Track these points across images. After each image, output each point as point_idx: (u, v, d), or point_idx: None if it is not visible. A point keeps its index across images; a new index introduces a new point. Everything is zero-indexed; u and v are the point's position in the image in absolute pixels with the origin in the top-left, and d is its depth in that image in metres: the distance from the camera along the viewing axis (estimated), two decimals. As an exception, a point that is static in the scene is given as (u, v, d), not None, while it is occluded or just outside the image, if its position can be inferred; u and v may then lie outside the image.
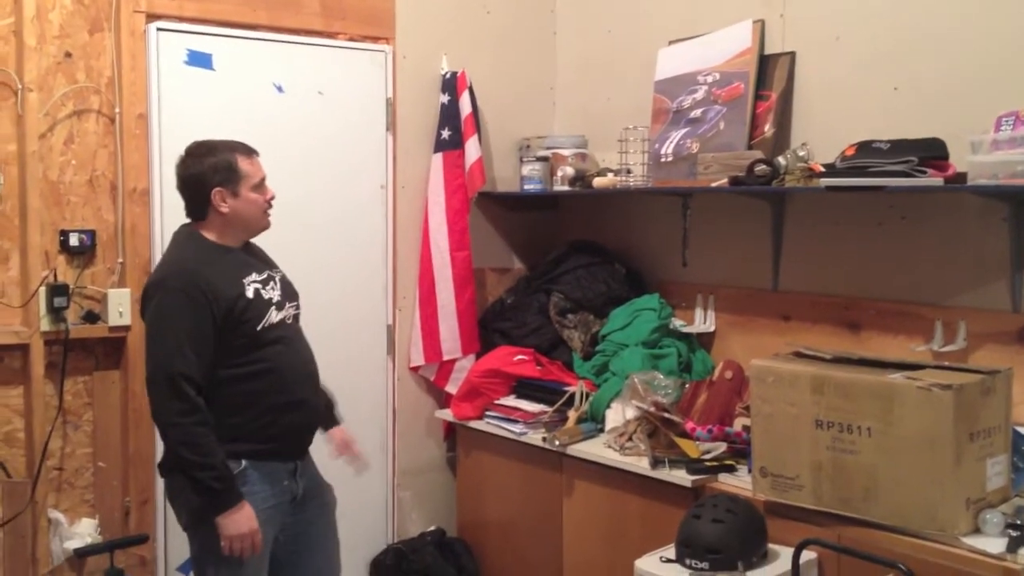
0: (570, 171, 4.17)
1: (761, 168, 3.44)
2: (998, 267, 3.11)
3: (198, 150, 2.99)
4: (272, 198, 3.03)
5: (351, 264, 3.68)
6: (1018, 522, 2.61)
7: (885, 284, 3.42)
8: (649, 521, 3.34)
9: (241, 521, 2.80)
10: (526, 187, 4.29)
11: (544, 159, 4.28)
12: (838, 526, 2.81)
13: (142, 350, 3.58)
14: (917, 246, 3.33)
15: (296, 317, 3.07)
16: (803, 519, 2.89)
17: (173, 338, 2.78)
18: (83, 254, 3.56)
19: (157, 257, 3.65)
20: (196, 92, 3.74)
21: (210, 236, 2.96)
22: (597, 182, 4.06)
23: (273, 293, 2.99)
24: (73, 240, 3.52)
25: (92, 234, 3.56)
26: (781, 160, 3.42)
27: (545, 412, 3.75)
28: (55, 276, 3.49)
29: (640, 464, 3.39)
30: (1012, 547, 2.53)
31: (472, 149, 4.17)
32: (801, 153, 3.42)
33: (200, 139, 3.08)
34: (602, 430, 3.71)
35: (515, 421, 3.84)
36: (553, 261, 4.31)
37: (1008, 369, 2.81)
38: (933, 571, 2.56)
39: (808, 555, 2.79)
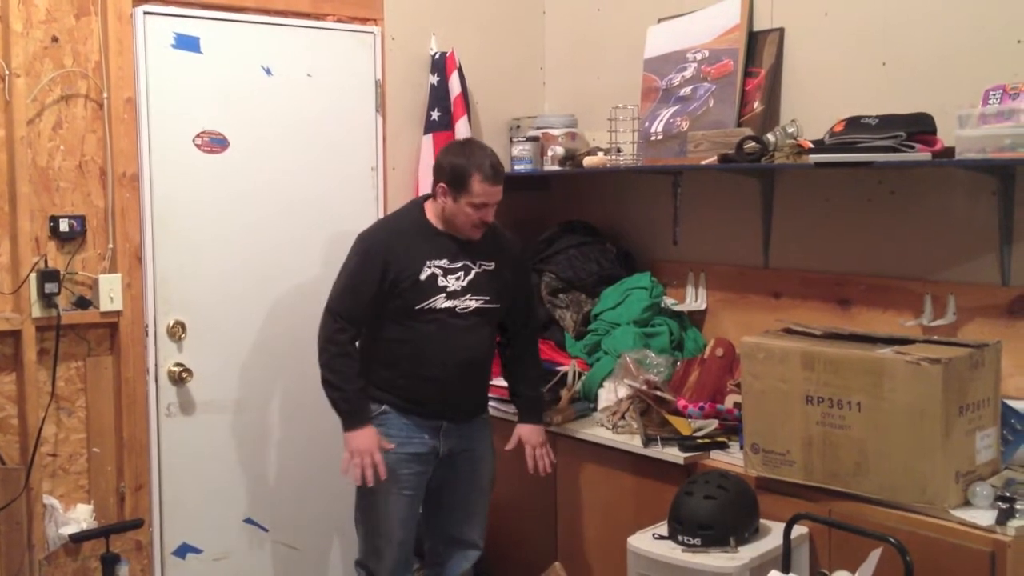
0: (560, 151, 4.17)
1: (750, 145, 3.44)
2: (987, 241, 3.11)
3: (458, 147, 3.36)
4: (486, 222, 3.25)
5: (342, 247, 3.66)
6: (1007, 494, 2.62)
7: (875, 260, 3.43)
8: (642, 498, 3.36)
9: (361, 439, 3.20)
10: (516, 167, 4.29)
11: (534, 139, 4.27)
12: (829, 501, 2.82)
13: (135, 336, 3.64)
14: (906, 221, 3.34)
15: (479, 311, 3.30)
16: (794, 494, 2.90)
17: (343, 282, 3.29)
18: (73, 240, 3.55)
19: (148, 242, 3.66)
20: (184, 76, 3.72)
21: (429, 213, 3.32)
22: (587, 161, 4.06)
23: (455, 283, 3.26)
24: (63, 226, 3.51)
25: (82, 220, 3.56)
26: (770, 137, 3.42)
27: (507, 378, 3.74)
28: (45, 262, 3.48)
29: (632, 442, 3.40)
30: (1001, 519, 2.54)
31: (462, 130, 4.16)
32: (790, 130, 3.41)
33: (472, 140, 3.60)
34: (595, 409, 3.72)
35: (508, 401, 3.83)
36: (544, 241, 4.31)
37: (997, 342, 2.82)
38: (923, 544, 2.57)
39: (799, 530, 2.81)
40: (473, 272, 3.30)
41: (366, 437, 3.21)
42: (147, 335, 3.68)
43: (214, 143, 3.79)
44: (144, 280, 3.67)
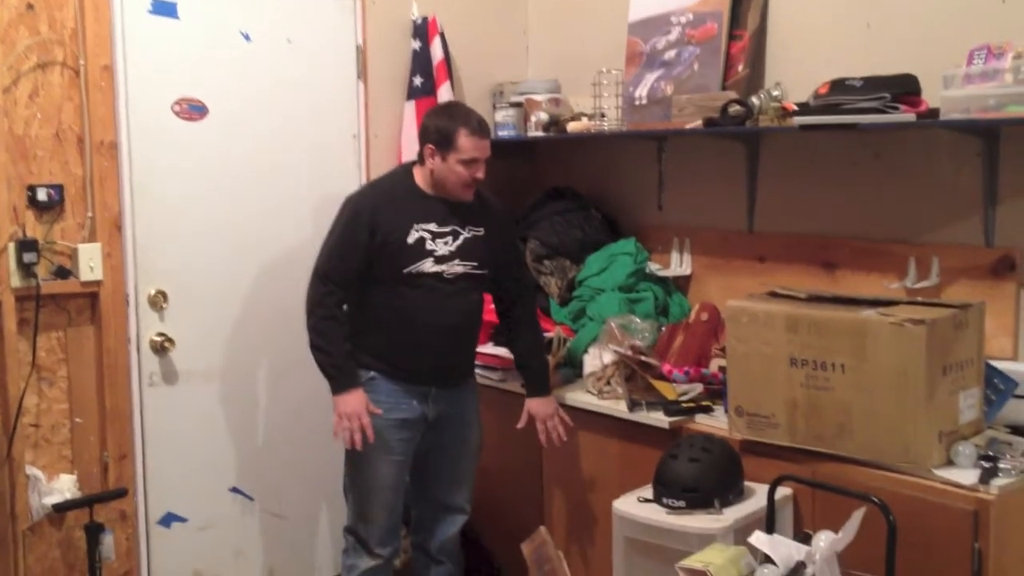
0: (544, 116, 4.14)
1: (735, 109, 3.42)
2: (971, 202, 3.11)
3: (441, 108, 3.43)
4: (477, 179, 3.23)
5: (324, 214, 3.64)
6: (990, 454, 2.63)
7: (859, 222, 3.42)
8: (627, 463, 3.36)
9: (349, 403, 3.20)
10: (500, 133, 4.26)
11: (518, 105, 4.24)
12: (813, 462, 2.83)
13: (115, 305, 3.61)
14: (891, 184, 3.33)
15: (466, 276, 3.29)
16: (778, 456, 2.91)
17: (330, 245, 3.27)
18: (52, 209, 3.51)
19: (127, 211, 3.62)
20: (161, 42, 3.67)
21: (417, 177, 3.30)
22: (571, 127, 4.04)
23: (443, 247, 3.25)
24: (41, 195, 3.47)
25: (60, 189, 3.51)
26: (755, 100, 3.40)
27: (510, 350, 3.73)
28: (24, 232, 3.44)
29: (618, 407, 3.40)
30: (984, 478, 2.55)
31: (445, 96, 4.12)
32: (775, 93, 3.39)
33: (455, 102, 3.67)
34: (580, 375, 3.71)
35: (493, 368, 3.83)
36: (528, 208, 4.29)
37: (980, 303, 2.82)
38: (906, 504, 2.58)
39: (783, 491, 2.81)
40: (461, 237, 3.29)
41: (355, 400, 3.21)
42: (128, 305, 3.65)
43: (193, 110, 3.75)
44: (124, 249, 3.63)
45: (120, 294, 3.63)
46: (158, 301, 3.71)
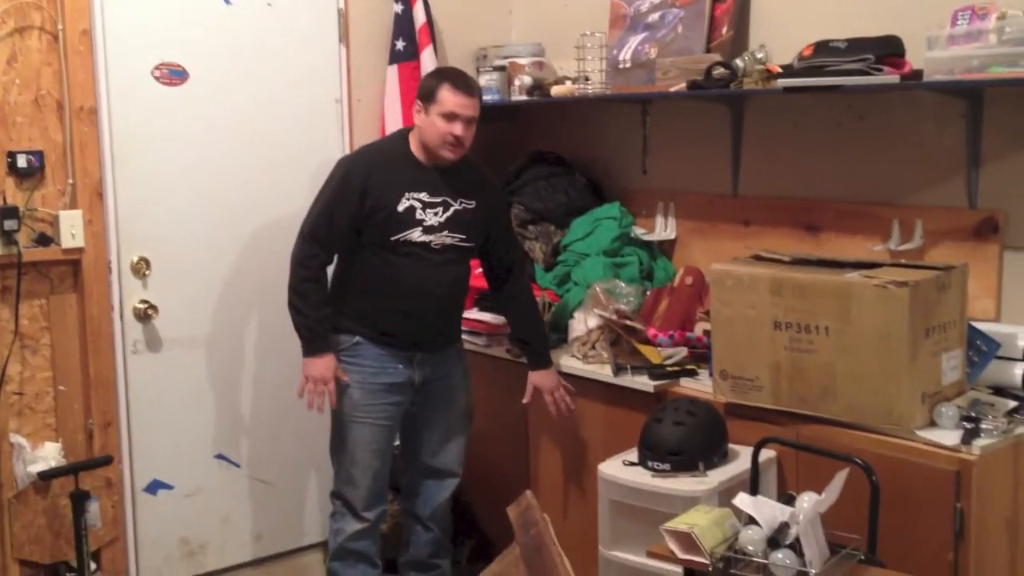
0: (528, 80, 4.11)
1: (719, 71, 3.40)
2: (954, 164, 3.11)
3: (436, 69, 3.52)
4: (456, 136, 3.18)
5: (306, 179, 3.64)
6: (972, 414, 2.65)
7: (843, 185, 3.42)
8: (612, 427, 3.37)
9: (317, 366, 3.22)
10: (483, 98, 4.20)
11: (501, 69, 4.21)
12: (796, 424, 2.84)
13: (98, 272, 3.59)
14: (875, 146, 3.33)
15: (455, 248, 3.29)
16: (762, 419, 2.92)
17: (320, 206, 3.24)
18: (32, 176, 3.48)
19: (108, 177, 3.60)
20: (140, 6, 3.63)
21: (412, 144, 3.29)
22: (555, 90, 4.01)
23: (432, 218, 3.23)
24: (21, 162, 3.44)
25: (40, 155, 3.48)
26: (739, 63, 3.38)
27: (508, 324, 3.74)
28: (4, 199, 3.42)
29: (603, 372, 3.41)
30: (967, 439, 2.57)
31: (428, 60, 4.09)
32: (759, 55, 3.38)
33: (451, 67, 3.62)
34: (565, 340, 3.72)
35: (479, 334, 3.83)
36: (513, 172, 4.27)
37: (963, 265, 2.83)
38: (890, 465, 2.59)
39: (767, 453, 2.83)
40: (452, 209, 3.27)
41: (323, 364, 3.21)
42: (110, 272, 3.64)
43: (173, 75, 3.72)
44: (106, 216, 3.61)
45: (102, 261, 3.61)
46: (141, 268, 3.69)
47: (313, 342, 3.23)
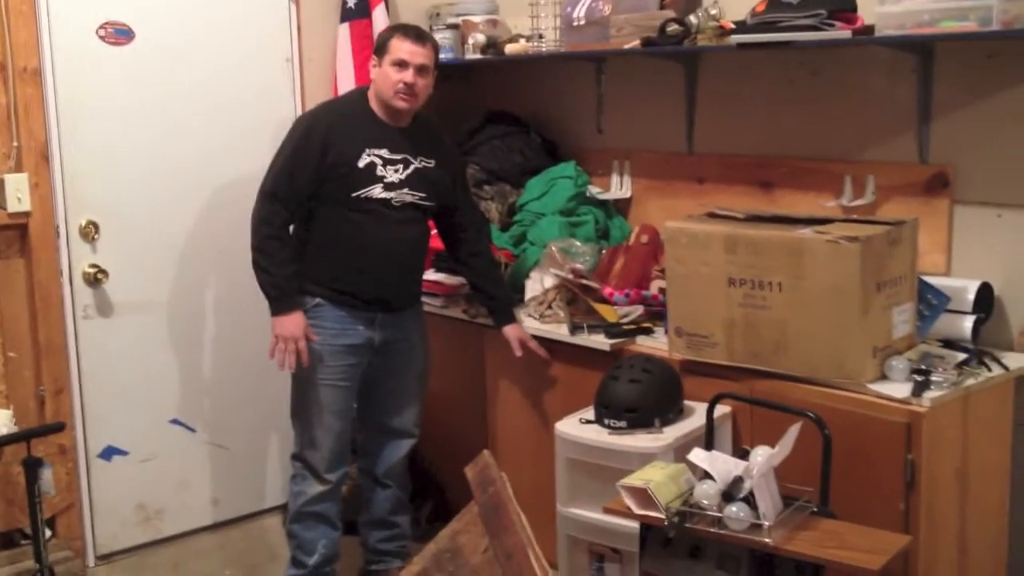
0: (481, 38, 4.08)
1: (673, 28, 3.39)
2: (906, 119, 3.12)
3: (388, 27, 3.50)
4: (406, 83, 3.15)
5: (257, 140, 3.59)
6: (923, 367, 2.68)
7: (796, 142, 3.43)
8: (569, 385, 3.38)
9: (287, 325, 3.18)
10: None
11: (454, 27, 4.17)
12: (751, 380, 2.86)
13: (45, 237, 3.54)
14: (827, 102, 3.33)
15: (414, 206, 3.27)
16: (717, 375, 2.94)
17: (280, 163, 3.21)
18: (-25, 139, 3.42)
19: (55, 139, 3.54)
20: (83, -37, 3.55)
21: (372, 101, 3.26)
22: (509, 49, 3.98)
23: (393, 175, 3.21)
24: (-37, 124, 3.37)
25: (-17, 117, 3.42)
26: (693, 19, 3.37)
27: (464, 285, 3.73)
28: (-53, 162, 3.35)
29: (560, 331, 3.41)
30: (917, 391, 2.60)
31: (380, 18, 4.05)
32: (712, 11, 3.37)
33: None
34: (521, 300, 3.71)
35: (435, 295, 3.82)
36: (467, 132, 4.24)
37: (914, 220, 2.85)
38: (842, 418, 2.62)
39: (722, 409, 2.85)
40: (412, 167, 3.26)
41: (292, 322, 3.18)
42: (58, 236, 3.58)
43: (119, 34, 3.64)
44: (52, 179, 3.55)
45: (50, 225, 3.56)
46: (89, 232, 3.64)
47: (281, 300, 3.19)
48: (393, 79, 3.15)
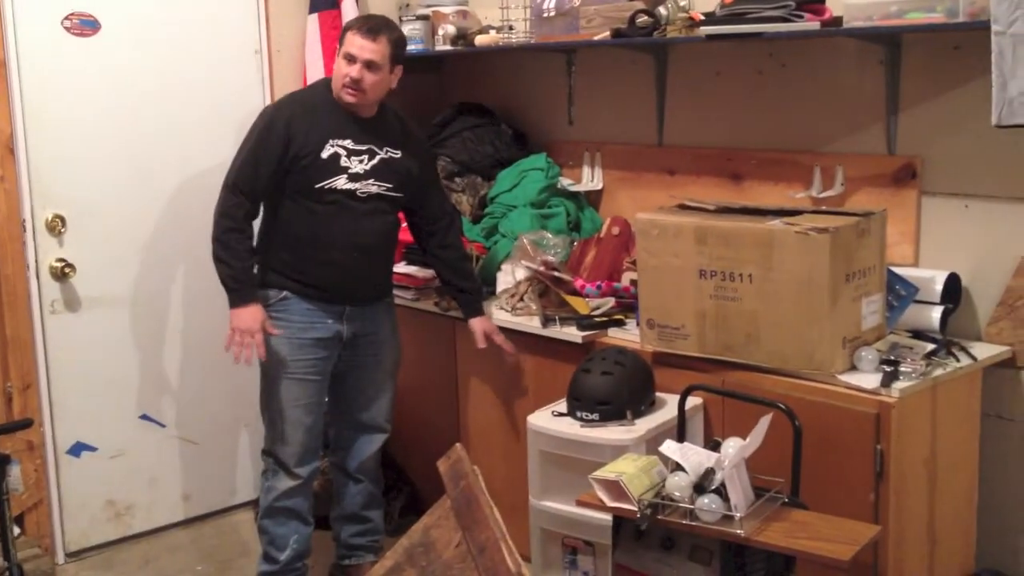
0: (451, 30, 4.06)
1: (643, 19, 3.39)
2: (874, 110, 3.14)
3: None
4: (352, 78, 3.13)
5: (226, 132, 3.56)
6: (892, 358, 2.70)
7: (766, 133, 3.44)
8: (541, 378, 3.38)
9: (243, 317, 3.15)
10: (406, 48, 4.15)
11: (424, 18, 4.15)
12: (722, 371, 2.87)
13: (11, 231, 3.51)
14: (796, 94, 3.35)
15: (381, 197, 3.25)
16: (689, 367, 2.95)
17: (243, 155, 3.19)
18: (-62, 132, 3.37)
19: (20, 132, 3.50)
20: (47, -46, 3.51)
21: (335, 91, 3.22)
22: (479, 40, 3.97)
23: (358, 166, 3.20)
24: (-75, 117, 3.33)
25: (-54, 110, 3.37)
26: (662, 10, 3.37)
27: (435, 278, 3.72)
28: (-91, 156, 3.30)
29: (531, 323, 3.41)
30: (886, 381, 2.62)
31: (349, 9, 4.03)
32: (682, 3, 3.37)
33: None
34: (493, 292, 3.70)
35: (407, 288, 3.81)
36: (438, 124, 4.23)
37: (883, 211, 2.86)
38: (812, 409, 2.64)
39: (694, 400, 2.86)
40: (378, 157, 3.24)
41: (250, 315, 3.15)
42: (24, 230, 3.54)
43: (84, 25, 3.60)
44: (18, 173, 3.51)
45: (15, 219, 3.52)
46: (56, 226, 3.60)
47: (239, 292, 3.16)
48: (341, 72, 3.15)
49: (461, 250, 3.56)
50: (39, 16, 3.51)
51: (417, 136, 3.46)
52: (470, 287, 3.51)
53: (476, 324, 3.45)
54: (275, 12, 4.05)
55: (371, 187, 3.23)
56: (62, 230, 3.61)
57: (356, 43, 3.13)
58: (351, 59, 3.13)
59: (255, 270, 3.23)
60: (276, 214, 3.24)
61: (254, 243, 3.22)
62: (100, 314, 3.73)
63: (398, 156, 3.28)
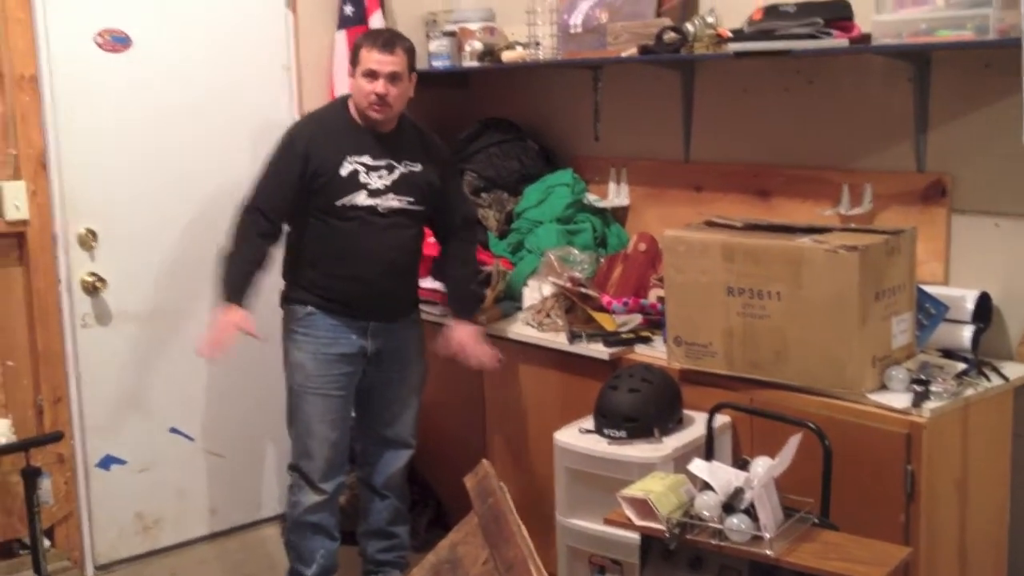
0: (479, 46, 4.08)
1: (670, 36, 3.39)
2: (903, 128, 3.12)
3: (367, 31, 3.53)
4: (378, 94, 3.16)
5: (255, 149, 3.58)
6: (922, 377, 2.68)
7: (793, 150, 3.43)
8: (568, 394, 3.38)
9: (226, 312, 3.14)
10: (434, 64, 4.19)
11: (451, 34, 4.17)
12: (750, 389, 2.86)
13: (43, 245, 3.53)
14: (824, 110, 3.34)
15: (402, 211, 3.27)
16: (716, 384, 2.94)
17: (263, 175, 3.25)
18: (-28, 147, 3.42)
19: (52, 147, 3.54)
20: (80, -29, 3.55)
21: (352, 109, 3.27)
22: (506, 56, 3.98)
23: (377, 181, 3.22)
24: (-40, 133, 3.37)
25: (-20, 126, 3.41)
26: (689, 27, 3.37)
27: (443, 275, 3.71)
28: (-56, 171, 3.35)
29: (558, 339, 3.41)
30: (916, 401, 2.60)
31: (376, 25, 4.04)
32: (709, 19, 3.37)
33: (386, 28, 3.78)
34: (520, 308, 3.71)
35: (433, 303, 3.81)
36: (465, 140, 4.24)
37: (912, 229, 2.85)
38: (842, 428, 2.63)
39: (721, 419, 2.85)
40: (397, 172, 3.26)
41: (231, 313, 3.14)
42: (56, 244, 3.58)
43: (116, 41, 3.64)
44: (50, 187, 3.55)
45: (48, 233, 3.55)
46: (88, 240, 3.64)
47: (227, 291, 3.17)
48: (365, 90, 3.17)
49: (460, 261, 3.51)
50: (72, 33, 3.55)
51: (437, 146, 3.46)
52: (454, 291, 3.50)
53: (448, 331, 3.41)
54: (304, 28, 4.08)
55: (392, 202, 3.24)
56: (93, 244, 3.65)
57: (375, 59, 3.15)
58: (373, 75, 3.15)
59: (282, 288, 3.28)
60: (300, 233, 3.27)
61: (261, 261, 3.22)
62: (130, 328, 3.76)
63: (418, 169, 3.30)
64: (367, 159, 3.22)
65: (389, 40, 3.21)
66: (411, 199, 3.28)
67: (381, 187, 3.23)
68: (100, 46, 3.62)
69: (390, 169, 3.25)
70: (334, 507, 3.41)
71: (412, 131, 3.35)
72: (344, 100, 3.34)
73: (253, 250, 3.21)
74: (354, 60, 3.21)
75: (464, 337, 3.40)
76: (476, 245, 3.65)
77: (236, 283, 3.19)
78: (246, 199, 3.24)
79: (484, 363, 3.40)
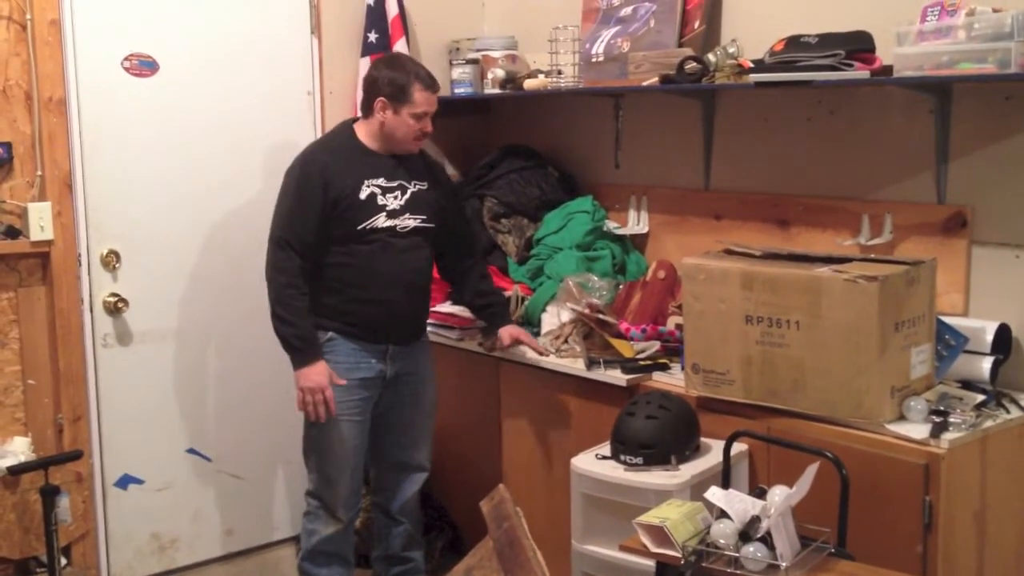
0: (500, 73, 4.11)
1: (691, 65, 3.41)
2: (923, 159, 3.13)
3: (388, 60, 3.40)
4: (427, 132, 3.27)
5: (277, 174, 3.61)
6: (941, 408, 2.67)
7: (813, 180, 3.44)
8: (585, 421, 3.38)
9: (311, 376, 3.18)
10: (456, 91, 4.22)
11: (474, 62, 4.21)
12: (768, 418, 2.86)
13: (67, 265, 3.56)
14: (845, 141, 3.35)
15: (417, 230, 3.31)
16: (734, 412, 2.94)
17: (285, 209, 3.23)
18: (0, 167, 3.45)
19: (78, 169, 3.58)
20: (110, -3, 3.60)
21: (360, 134, 3.31)
22: (528, 84, 4.01)
23: (393, 202, 3.26)
24: (-11, 153, 3.41)
25: (8, 146, 3.45)
26: (711, 57, 3.40)
27: (463, 296, 3.73)
28: (-29, 191, 3.39)
29: (576, 366, 3.41)
30: (935, 432, 2.60)
31: (400, 52, 4.08)
32: (731, 50, 3.39)
33: (399, 53, 3.81)
34: (538, 333, 3.71)
35: (451, 327, 3.83)
36: (486, 166, 4.27)
37: (932, 259, 2.85)
38: (860, 458, 2.62)
39: (739, 447, 2.85)
40: (409, 191, 3.30)
41: (317, 374, 3.18)
42: (80, 265, 3.61)
43: (143, 66, 3.69)
44: (75, 208, 3.58)
45: (72, 254, 3.58)
46: (111, 261, 3.67)
47: (305, 352, 3.19)
48: (414, 128, 3.24)
49: (482, 268, 3.62)
50: (100, 57, 3.60)
51: (439, 168, 3.54)
52: (495, 299, 3.59)
53: (503, 331, 3.51)
54: (328, 55, 4.12)
55: (408, 221, 3.28)
56: (116, 265, 3.68)
57: (428, 99, 3.24)
58: (424, 116, 3.22)
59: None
60: (320, 260, 3.26)
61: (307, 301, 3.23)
62: (151, 348, 3.78)
63: (425, 188, 3.35)
64: (382, 181, 3.26)
65: (433, 79, 3.27)
66: (423, 217, 3.32)
67: (397, 207, 3.27)
68: (128, 70, 3.66)
69: (403, 190, 3.29)
70: (350, 533, 3.42)
71: (416, 152, 3.39)
72: (348, 125, 3.37)
73: (303, 296, 3.19)
74: (398, 97, 3.20)
75: (515, 332, 3.50)
76: (488, 268, 3.67)
77: (307, 338, 3.20)
78: (274, 235, 3.22)
79: (538, 351, 3.48)
